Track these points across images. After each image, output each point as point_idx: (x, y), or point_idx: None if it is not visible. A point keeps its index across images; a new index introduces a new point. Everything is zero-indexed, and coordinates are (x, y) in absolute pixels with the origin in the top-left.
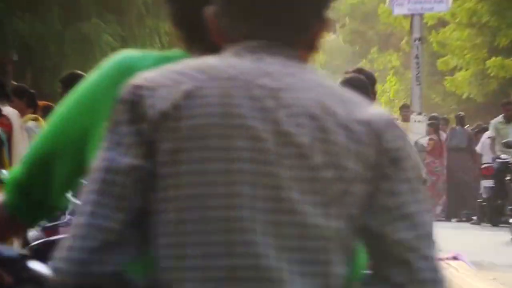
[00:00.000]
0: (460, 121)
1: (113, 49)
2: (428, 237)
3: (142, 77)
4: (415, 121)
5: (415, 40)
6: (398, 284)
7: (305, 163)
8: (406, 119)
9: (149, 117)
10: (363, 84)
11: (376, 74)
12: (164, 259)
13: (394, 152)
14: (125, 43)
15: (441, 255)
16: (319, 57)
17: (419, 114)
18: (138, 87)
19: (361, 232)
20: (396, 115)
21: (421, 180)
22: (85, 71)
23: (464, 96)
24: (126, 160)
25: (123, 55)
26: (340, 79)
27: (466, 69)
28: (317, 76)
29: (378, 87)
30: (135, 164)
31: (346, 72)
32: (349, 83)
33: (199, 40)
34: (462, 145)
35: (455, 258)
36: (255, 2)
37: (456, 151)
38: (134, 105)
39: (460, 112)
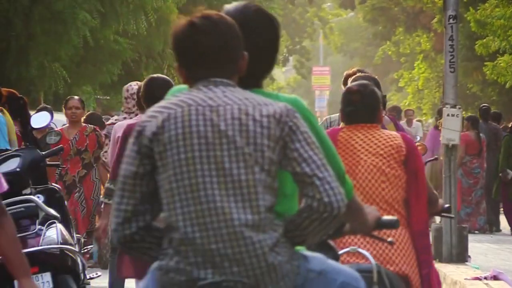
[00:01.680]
0: (484, 114)
1: (91, 30)
2: (319, 168)
3: (145, 114)
4: (448, 115)
5: (449, 19)
6: (309, 196)
7: (233, 146)
8: (410, 123)
9: (146, 135)
10: (377, 81)
11: (402, 60)
12: (166, 211)
13: (289, 127)
14: (105, 22)
15: (480, 274)
16: (335, 39)
17: (454, 106)
18: (142, 121)
19: (291, 176)
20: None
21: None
22: (58, 55)
23: (508, 86)
24: (132, 168)
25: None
26: (350, 73)
27: (510, 54)
28: (243, 93)
29: (405, 74)
30: (135, 170)
31: (348, 74)
32: (366, 79)
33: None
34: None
35: (495, 277)
36: (199, 60)
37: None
38: (140, 132)
39: (484, 104)
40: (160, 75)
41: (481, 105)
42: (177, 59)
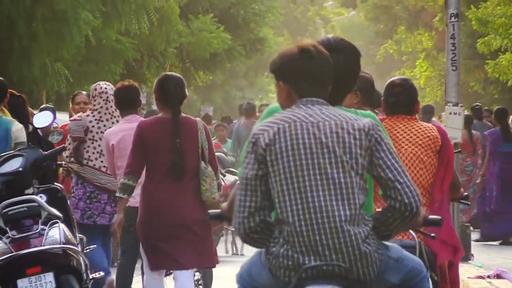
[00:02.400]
0: (477, 113)
1: (93, 29)
2: (400, 174)
3: (257, 128)
4: (450, 113)
5: (451, 17)
6: (392, 198)
7: (333, 155)
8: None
9: (261, 146)
10: (371, 80)
11: (404, 58)
12: (278, 208)
13: (375, 139)
14: (107, 22)
15: (483, 272)
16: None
17: (456, 105)
18: (255, 133)
19: (374, 179)
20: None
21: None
22: (60, 55)
23: (510, 84)
24: (252, 172)
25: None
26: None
27: None
28: (335, 110)
29: (407, 73)
30: (255, 173)
31: None
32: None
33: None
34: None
35: (498, 276)
36: (308, 79)
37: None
38: (255, 143)
39: (477, 103)
40: (173, 73)
41: (474, 105)
42: (284, 77)
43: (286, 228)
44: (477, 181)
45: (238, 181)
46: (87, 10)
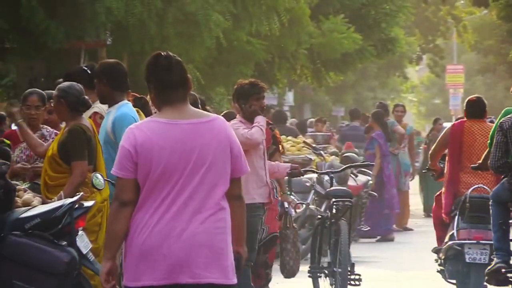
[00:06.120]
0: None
1: (224, 31)
2: None
3: (504, 118)
4: None
5: None
6: None
7: None
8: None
9: (505, 128)
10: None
11: None
12: None
13: None
14: (238, 24)
15: None
16: (468, 37)
17: None
18: (502, 122)
19: None
20: None
21: None
22: (190, 56)
23: None
24: (500, 138)
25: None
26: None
27: None
28: None
29: None
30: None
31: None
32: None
33: None
34: None
35: None
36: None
37: None
38: (501, 126)
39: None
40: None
41: None
42: None
43: None
44: None
45: (371, 181)
46: (217, 12)
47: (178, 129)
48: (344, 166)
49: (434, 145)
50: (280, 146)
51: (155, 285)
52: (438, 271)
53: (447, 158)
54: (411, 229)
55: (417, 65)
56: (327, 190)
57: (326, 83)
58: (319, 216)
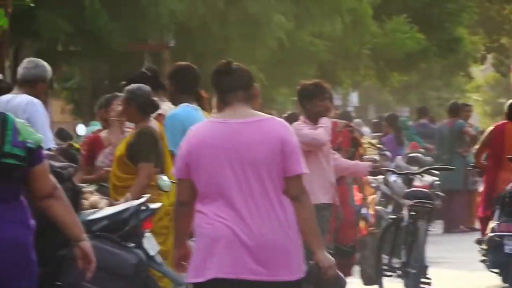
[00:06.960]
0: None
1: (287, 32)
2: None
3: None
4: None
5: None
6: None
7: None
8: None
9: None
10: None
11: None
12: None
13: None
14: (300, 25)
15: None
16: None
17: None
18: None
19: None
20: None
21: None
22: (253, 57)
23: None
24: None
25: None
26: None
27: None
28: None
29: None
30: None
31: None
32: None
33: None
34: None
35: None
36: None
37: None
38: None
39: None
40: None
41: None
42: None
43: None
44: None
45: (437, 182)
46: (279, 13)
47: (227, 128)
48: (424, 168)
49: (478, 144)
50: (360, 148)
51: (219, 278)
52: (480, 261)
53: (488, 157)
54: (477, 229)
55: (482, 65)
56: (406, 191)
57: (390, 83)
58: (392, 217)
